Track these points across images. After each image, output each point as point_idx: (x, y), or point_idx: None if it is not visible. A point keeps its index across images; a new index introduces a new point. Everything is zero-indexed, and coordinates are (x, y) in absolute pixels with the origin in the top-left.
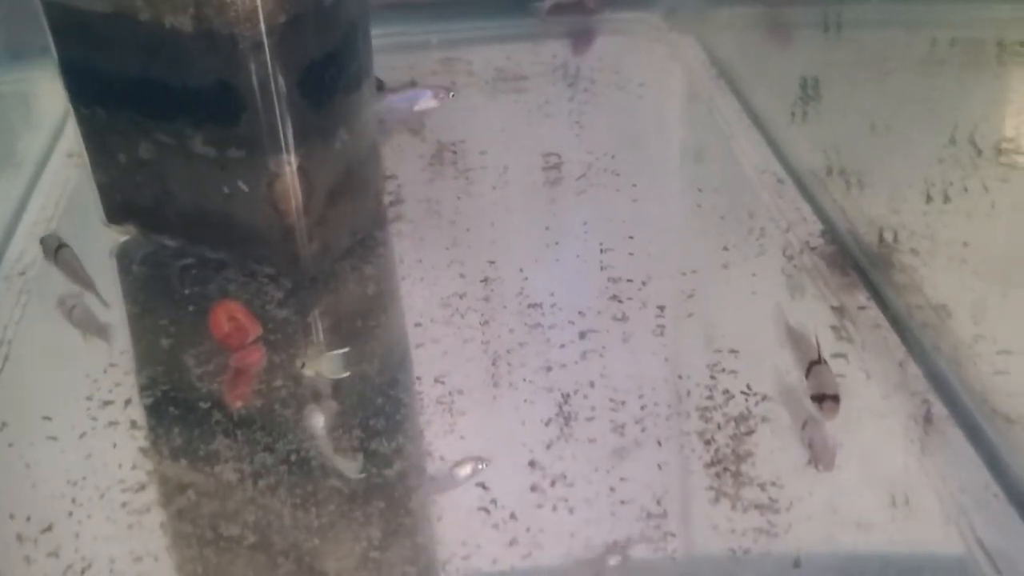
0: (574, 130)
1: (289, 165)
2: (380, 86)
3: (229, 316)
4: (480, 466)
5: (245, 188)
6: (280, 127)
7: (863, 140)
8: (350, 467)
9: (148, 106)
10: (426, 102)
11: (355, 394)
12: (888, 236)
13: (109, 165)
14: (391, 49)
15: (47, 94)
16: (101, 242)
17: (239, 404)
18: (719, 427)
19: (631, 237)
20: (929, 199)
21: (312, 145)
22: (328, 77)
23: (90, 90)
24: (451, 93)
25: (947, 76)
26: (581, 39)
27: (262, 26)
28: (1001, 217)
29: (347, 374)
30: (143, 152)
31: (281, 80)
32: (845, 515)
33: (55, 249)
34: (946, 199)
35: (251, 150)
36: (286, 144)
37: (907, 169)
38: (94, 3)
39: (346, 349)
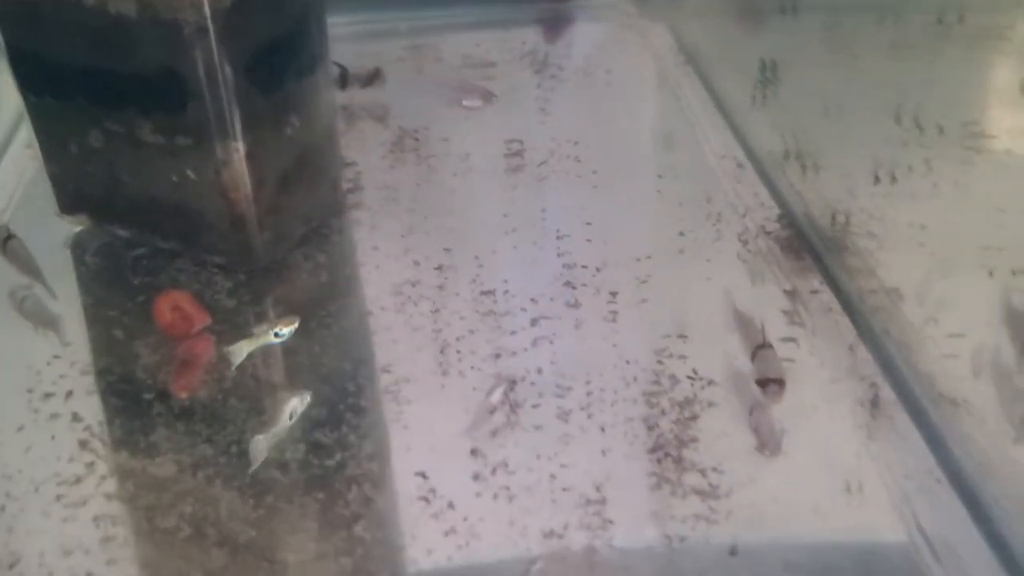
0: (539, 117)
1: (237, 152)
2: (344, 73)
3: (173, 305)
4: (512, 385)
5: (193, 176)
6: (227, 114)
7: (819, 123)
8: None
9: (97, 94)
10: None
11: (301, 384)
12: (840, 219)
13: (60, 155)
14: (358, 36)
15: (5, 84)
16: (56, 233)
17: (184, 395)
18: (663, 412)
19: (589, 224)
20: (877, 180)
21: (261, 132)
22: (278, 62)
23: (39, 78)
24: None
25: (898, 58)
26: (553, 26)
27: (206, 10)
28: (953, 200)
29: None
30: (93, 141)
31: (227, 66)
32: (786, 502)
33: (3, 240)
34: (893, 180)
35: (198, 137)
36: (233, 131)
37: (861, 152)
38: None
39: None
